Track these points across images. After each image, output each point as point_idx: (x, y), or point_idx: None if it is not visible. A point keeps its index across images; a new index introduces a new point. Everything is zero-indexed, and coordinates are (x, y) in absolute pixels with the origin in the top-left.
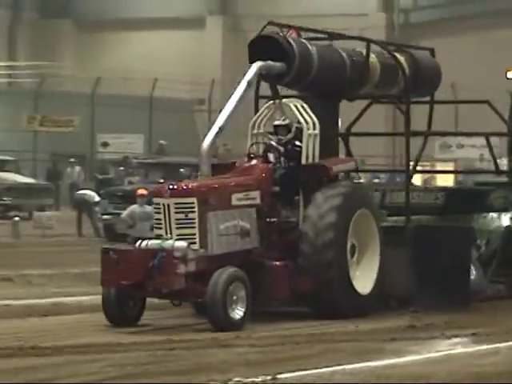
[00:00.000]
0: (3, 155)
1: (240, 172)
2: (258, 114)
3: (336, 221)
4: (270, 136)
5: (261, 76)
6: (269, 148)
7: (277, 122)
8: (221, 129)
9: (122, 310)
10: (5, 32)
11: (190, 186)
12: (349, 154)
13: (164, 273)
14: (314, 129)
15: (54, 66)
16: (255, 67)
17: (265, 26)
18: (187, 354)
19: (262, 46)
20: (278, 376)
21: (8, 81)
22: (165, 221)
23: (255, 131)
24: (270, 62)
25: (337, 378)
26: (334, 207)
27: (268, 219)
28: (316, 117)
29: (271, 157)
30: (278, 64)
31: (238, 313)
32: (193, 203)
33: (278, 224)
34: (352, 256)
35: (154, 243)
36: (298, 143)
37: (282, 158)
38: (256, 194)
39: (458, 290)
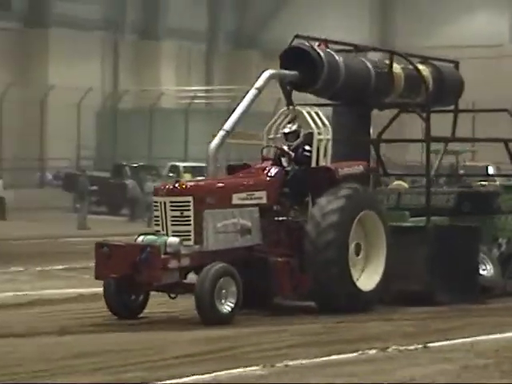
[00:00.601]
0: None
1: (249, 173)
2: (272, 120)
3: (338, 221)
4: (284, 141)
5: (289, 84)
6: (280, 152)
7: (285, 130)
8: (228, 132)
9: (122, 302)
10: (203, 62)
11: (185, 186)
12: (379, 159)
13: (150, 267)
14: (327, 134)
15: (244, 89)
16: (266, 74)
17: (293, 39)
18: (355, 326)
19: (293, 57)
20: (429, 345)
21: (205, 102)
22: (162, 218)
23: (270, 136)
24: (282, 71)
25: (478, 346)
26: (336, 208)
27: (277, 218)
28: (347, 124)
29: (283, 160)
30: (290, 72)
31: (226, 307)
32: (188, 202)
33: (286, 223)
34: (357, 255)
35: (148, 239)
36: (307, 148)
37: (293, 162)
38: (262, 194)
39: (466, 286)
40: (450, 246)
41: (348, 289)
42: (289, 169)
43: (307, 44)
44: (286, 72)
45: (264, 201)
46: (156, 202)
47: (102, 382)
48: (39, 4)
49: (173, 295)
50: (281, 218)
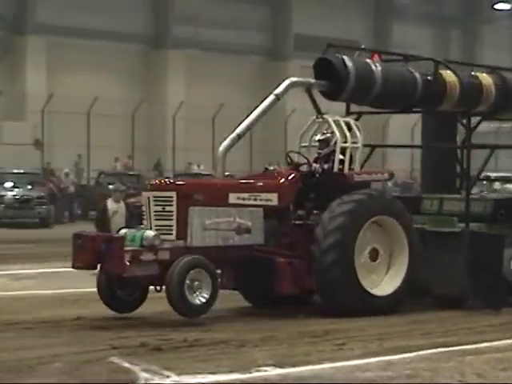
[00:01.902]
0: None
1: (265, 176)
2: (304, 129)
3: (344, 224)
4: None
5: (320, 93)
6: (310, 158)
7: (317, 137)
8: (239, 136)
9: (114, 295)
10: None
11: (169, 182)
12: (461, 165)
13: (111, 258)
14: (356, 142)
15: None
16: (287, 83)
17: (326, 49)
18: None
19: (324, 67)
20: None
21: None
22: (146, 212)
23: (303, 144)
24: (304, 79)
25: None
26: (344, 212)
27: (294, 221)
28: (434, 132)
29: (307, 166)
30: (311, 80)
31: (199, 298)
32: (171, 197)
33: (303, 226)
34: (374, 260)
35: (130, 232)
36: (341, 156)
37: (316, 167)
38: (272, 196)
39: (490, 292)
40: (481, 253)
41: (354, 291)
42: (311, 173)
43: (337, 54)
44: (309, 80)
45: (274, 203)
46: (144, 197)
47: None
48: (160, 28)
49: (158, 288)
50: (298, 221)
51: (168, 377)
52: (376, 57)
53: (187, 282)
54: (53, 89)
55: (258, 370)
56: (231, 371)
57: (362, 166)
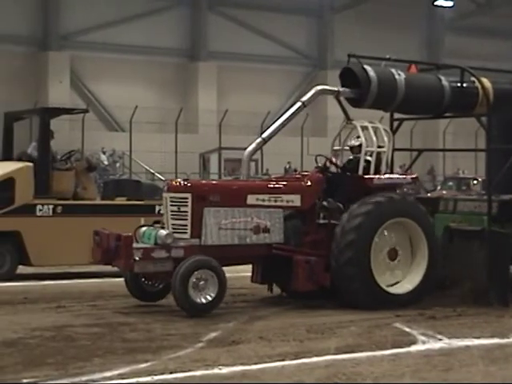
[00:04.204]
0: None
1: (290, 178)
2: (337, 134)
3: (362, 224)
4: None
5: (347, 100)
6: (330, 162)
7: (349, 143)
8: (264, 140)
9: (139, 286)
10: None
11: (185, 184)
12: None
13: (120, 255)
14: (383, 147)
15: None
16: (314, 90)
17: (349, 59)
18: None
19: (350, 76)
20: None
21: None
22: (164, 212)
23: (335, 148)
24: (331, 87)
25: None
26: (363, 212)
27: (317, 221)
28: (497, 135)
29: (332, 169)
30: (334, 88)
31: (204, 298)
32: (186, 198)
33: (326, 226)
34: (393, 260)
35: (147, 230)
36: (368, 158)
37: (341, 171)
38: (295, 197)
39: (497, 290)
40: (498, 251)
41: (370, 290)
42: (336, 176)
43: (359, 63)
44: (336, 88)
45: (297, 204)
46: (164, 197)
47: None
48: (195, 41)
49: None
50: (321, 221)
51: (440, 340)
52: (413, 67)
53: (193, 280)
54: None
55: None
56: (492, 336)
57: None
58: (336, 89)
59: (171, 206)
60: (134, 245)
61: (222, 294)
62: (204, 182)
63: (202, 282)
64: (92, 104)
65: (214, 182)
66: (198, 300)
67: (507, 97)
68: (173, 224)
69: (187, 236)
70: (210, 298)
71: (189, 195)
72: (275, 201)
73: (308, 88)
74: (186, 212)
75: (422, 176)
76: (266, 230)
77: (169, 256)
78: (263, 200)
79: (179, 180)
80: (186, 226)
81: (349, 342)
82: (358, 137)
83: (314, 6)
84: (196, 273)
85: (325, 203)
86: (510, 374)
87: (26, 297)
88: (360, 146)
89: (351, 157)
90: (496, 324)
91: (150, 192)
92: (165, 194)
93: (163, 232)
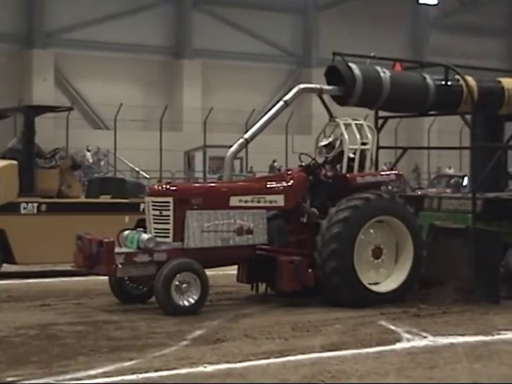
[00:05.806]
0: None
1: (273, 178)
2: (320, 131)
3: (348, 217)
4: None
5: (332, 98)
6: (314, 161)
7: (321, 143)
8: (247, 140)
9: (124, 289)
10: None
11: (167, 188)
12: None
13: (102, 260)
14: (366, 144)
15: None
16: (296, 89)
17: (334, 57)
18: None
19: (335, 74)
20: None
21: None
22: (147, 216)
23: (318, 145)
24: (314, 85)
25: None
26: (340, 220)
27: (301, 220)
28: (482, 133)
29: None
30: (317, 86)
31: (186, 300)
32: (168, 202)
33: (310, 225)
34: (377, 258)
35: (129, 235)
36: (352, 156)
37: (324, 170)
38: (279, 197)
39: (488, 287)
40: (483, 248)
41: (350, 284)
42: (320, 175)
43: (344, 61)
44: (319, 86)
45: (281, 204)
46: (145, 202)
47: None
48: (180, 39)
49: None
50: (306, 221)
51: (425, 337)
52: (398, 65)
53: (176, 283)
54: None
55: (498, 334)
56: (476, 334)
57: (391, 167)
58: (319, 86)
59: (153, 210)
60: (117, 249)
61: (204, 297)
62: (186, 184)
63: (184, 285)
64: (76, 102)
65: (196, 184)
66: (181, 303)
67: (491, 95)
68: (155, 228)
69: (170, 240)
70: (192, 301)
71: (170, 199)
72: (258, 201)
73: (293, 86)
74: (168, 216)
75: (407, 174)
76: (250, 232)
77: (151, 260)
78: (246, 201)
79: (161, 184)
80: (168, 229)
81: (334, 339)
82: (329, 136)
83: (299, 4)
84: (178, 275)
85: (304, 205)
86: (494, 372)
87: (11, 295)
88: (330, 144)
89: (326, 156)
90: (480, 321)
91: (134, 190)
92: (147, 199)
93: (145, 236)
